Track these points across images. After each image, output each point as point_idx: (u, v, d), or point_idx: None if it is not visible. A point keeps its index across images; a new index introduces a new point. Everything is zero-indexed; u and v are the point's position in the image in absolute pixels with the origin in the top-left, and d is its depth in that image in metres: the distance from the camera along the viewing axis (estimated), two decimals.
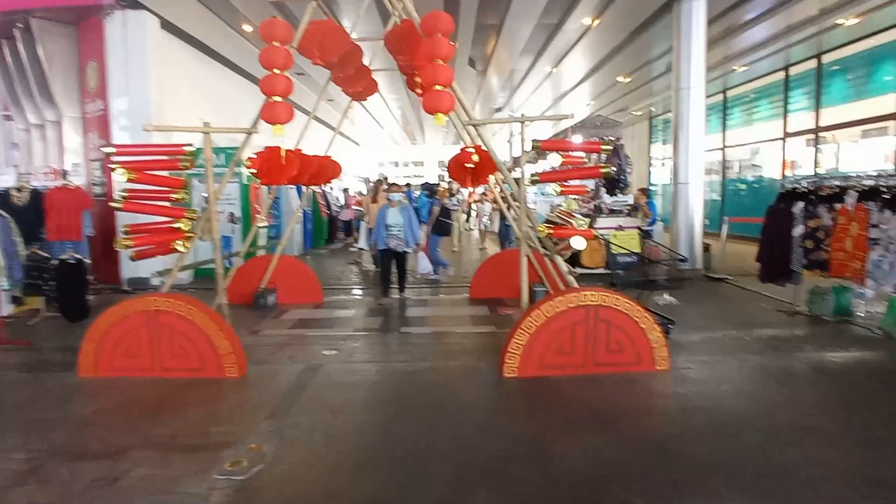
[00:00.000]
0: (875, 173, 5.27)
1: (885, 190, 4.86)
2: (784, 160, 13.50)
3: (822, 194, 5.51)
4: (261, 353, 4.96)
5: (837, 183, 5.38)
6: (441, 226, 9.28)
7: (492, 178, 6.18)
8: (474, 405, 3.81)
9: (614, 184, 9.32)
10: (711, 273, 8.47)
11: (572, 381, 4.14)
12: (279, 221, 10.99)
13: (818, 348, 4.90)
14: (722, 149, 16.46)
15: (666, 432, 3.37)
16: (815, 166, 12.25)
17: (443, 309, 7.09)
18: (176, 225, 4.58)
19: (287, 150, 5.21)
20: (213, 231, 4.81)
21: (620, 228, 8.58)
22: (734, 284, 7.80)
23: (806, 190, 5.81)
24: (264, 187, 8.94)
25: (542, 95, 18.96)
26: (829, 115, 12.55)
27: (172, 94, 8.86)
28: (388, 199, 7.10)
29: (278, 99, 4.48)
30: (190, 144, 4.67)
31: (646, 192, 9.41)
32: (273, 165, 5.00)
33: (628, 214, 8.96)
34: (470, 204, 15.76)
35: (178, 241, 4.52)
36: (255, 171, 5.06)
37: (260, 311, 6.65)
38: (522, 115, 5.22)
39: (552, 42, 13.15)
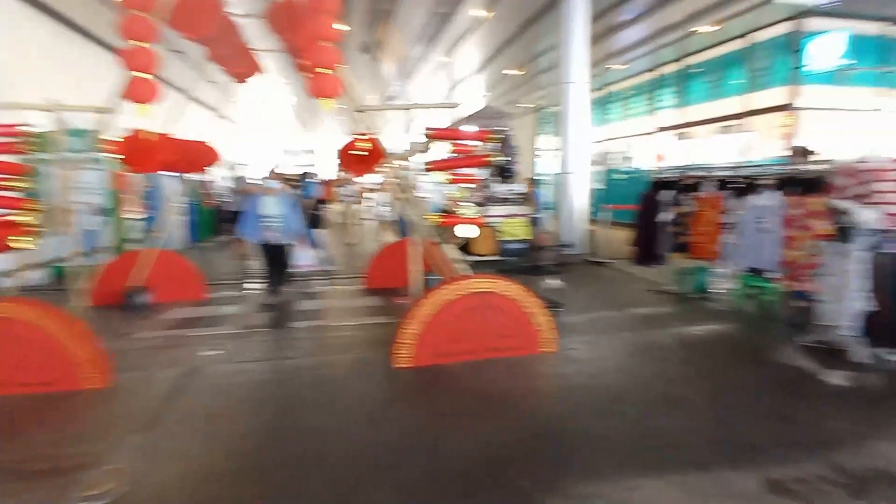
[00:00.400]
0: (728, 165, 5.90)
1: (735, 180, 5.46)
2: (656, 153, 14.78)
3: (684, 184, 6.07)
4: (131, 358, 4.48)
5: (697, 174, 5.96)
6: (313, 218, 8.89)
7: (389, 166, 6.07)
8: (366, 399, 3.73)
9: (504, 173, 9.61)
10: (594, 258, 9.05)
11: (465, 367, 4.21)
12: (155, 213, 10.01)
13: (683, 323, 5.42)
14: (605, 141, 17.66)
15: (552, 412, 3.53)
16: (681, 159, 13.52)
17: (336, 301, 6.91)
18: (16, 217, 3.96)
19: (156, 134, 4.72)
20: (66, 224, 4.25)
21: (512, 216, 8.92)
22: (615, 268, 8.40)
23: (672, 180, 6.37)
24: (136, 175, 8.08)
25: (438, 85, 19.09)
26: (693, 113, 13.93)
27: (26, 69, 7.71)
28: (262, 187, 6.52)
29: (144, 75, 4.02)
30: (28, 124, 4.05)
31: (533, 181, 9.82)
32: (141, 150, 4.51)
33: (519, 203, 9.29)
34: (363, 193, 15.50)
35: (15, 237, 3.91)
36: (121, 156, 4.53)
37: (133, 312, 6.02)
38: (410, 102, 5.17)
39: (446, 31, 13.23)
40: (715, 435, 3.09)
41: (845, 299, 3.82)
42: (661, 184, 6.54)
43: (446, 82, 18.82)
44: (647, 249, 6.56)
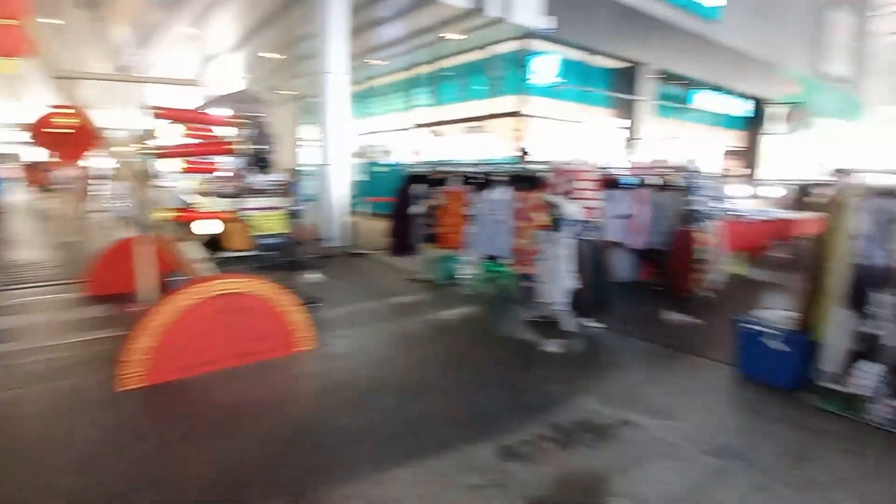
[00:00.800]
0: (470, 162, 6.47)
1: (475, 176, 6.03)
2: (413, 148, 15.66)
3: (434, 179, 6.47)
4: None
5: (445, 169, 6.41)
6: None
7: (115, 149, 5.01)
8: (75, 438, 3.00)
9: (261, 162, 8.96)
10: (355, 250, 9.12)
11: (212, 379, 3.73)
12: None
13: (435, 309, 5.79)
14: (367, 134, 18.00)
15: (309, 414, 3.36)
16: (435, 154, 14.59)
17: (45, 315, 5.49)
18: None
19: None
20: None
21: (269, 209, 8.36)
22: (375, 259, 8.59)
23: (423, 174, 6.74)
24: None
25: (187, 60, 16.88)
26: (444, 113, 15.12)
27: None
28: None
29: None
30: None
31: (292, 172, 9.40)
32: None
33: (278, 195, 8.77)
34: (90, 181, 12.84)
35: None
36: None
37: None
38: (137, 73, 4.34)
39: None
40: (459, 414, 3.31)
41: (557, 279, 4.51)
42: (413, 178, 6.87)
43: (197, 58, 16.76)
44: (402, 240, 6.82)
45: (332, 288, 6.49)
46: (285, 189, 8.94)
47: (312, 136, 16.39)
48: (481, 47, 13.69)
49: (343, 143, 9.70)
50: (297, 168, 10.62)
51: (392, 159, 16.75)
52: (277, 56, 15.98)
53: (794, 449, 2.91)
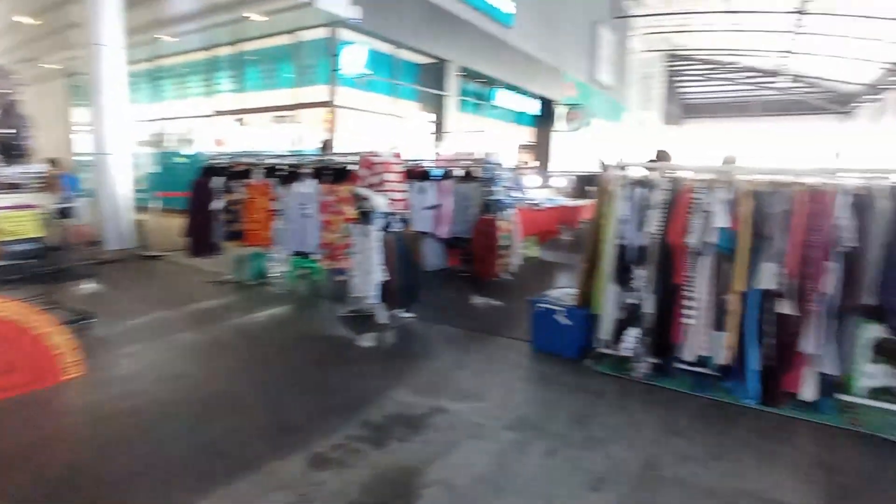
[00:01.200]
0: (275, 153, 6.08)
1: (282, 168, 5.67)
2: (215, 137, 14.29)
3: (235, 171, 5.94)
4: None
5: (247, 161, 5.92)
6: None
7: None
8: None
9: (11, 151, 7.28)
10: (145, 251, 7.98)
11: None
12: None
13: (243, 313, 5.32)
14: (160, 120, 15.91)
15: (81, 453, 2.79)
16: (241, 144, 13.52)
17: None
18: None
19: None
20: None
21: (25, 207, 6.83)
22: (170, 261, 7.61)
23: (223, 166, 6.14)
24: None
25: None
26: (250, 100, 14.06)
27: None
28: None
29: None
30: None
31: (56, 162, 7.86)
32: None
33: (35, 191, 7.21)
34: None
35: None
36: None
37: None
38: None
39: None
40: (267, 426, 3.06)
41: (369, 273, 4.46)
42: (212, 170, 6.22)
43: None
44: (202, 239, 6.14)
45: (115, 298, 5.58)
46: (47, 183, 7.41)
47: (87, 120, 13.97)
48: (290, 32, 12.97)
49: (122, 128, 8.37)
50: (68, 158, 8.91)
51: (192, 149, 15.05)
52: (34, 22, 13.16)
53: (578, 412, 3.29)
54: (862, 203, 3.10)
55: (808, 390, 3.25)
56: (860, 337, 3.24)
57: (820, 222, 3.13)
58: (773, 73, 27.64)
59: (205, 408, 3.29)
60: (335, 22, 11.96)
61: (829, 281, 3.10)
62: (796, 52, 23.68)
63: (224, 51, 14.74)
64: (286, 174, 5.48)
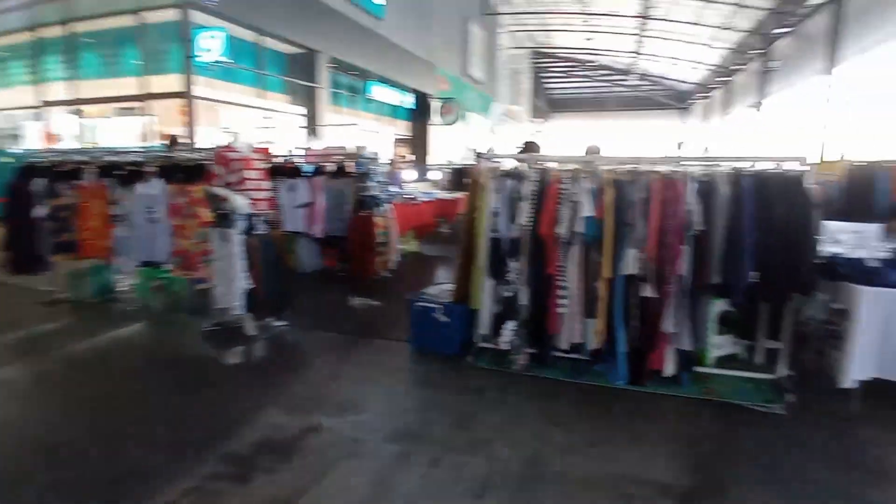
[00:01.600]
0: (113, 150, 5.29)
1: (122, 166, 4.93)
2: (46, 132, 12.35)
3: (63, 171, 5.06)
4: None
5: (77, 159, 5.07)
6: None
7: None
8: None
9: None
10: None
11: None
12: None
13: (82, 337, 4.55)
14: None
15: None
16: (78, 140, 11.85)
17: None
18: None
19: None
20: None
21: None
22: None
23: (48, 165, 5.21)
24: None
25: None
26: (87, 89, 12.33)
27: None
28: None
29: None
30: None
31: None
32: None
33: None
34: None
35: None
36: None
37: None
38: None
39: None
40: (100, 478, 2.54)
41: (232, 281, 4.01)
42: (34, 170, 5.26)
43: None
44: (25, 253, 5.18)
45: None
46: None
47: None
48: (132, 12, 11.51)
49: None
50: None
51: (19, 147, 12.87)
52: None
53: (461, 413, 3.20)
54: (706, 189, 3.35)
55: (669, 366, 3.47)
56: (710, 313, 3.53)
57: (674, 208, 3.34)
58: (625, 72, 30.32)
59: (20, 465, 2.69)
60: (187, 3, 10.85)
61: (684, 263, 3.32)
62: (643, 53, 26.19)
63: (53, 31, 12.77)
64: (126, 174, 4.76)
